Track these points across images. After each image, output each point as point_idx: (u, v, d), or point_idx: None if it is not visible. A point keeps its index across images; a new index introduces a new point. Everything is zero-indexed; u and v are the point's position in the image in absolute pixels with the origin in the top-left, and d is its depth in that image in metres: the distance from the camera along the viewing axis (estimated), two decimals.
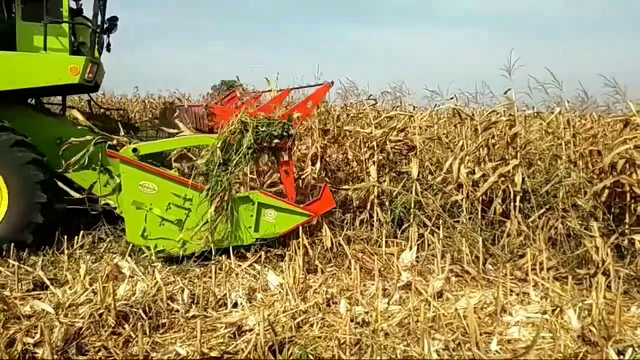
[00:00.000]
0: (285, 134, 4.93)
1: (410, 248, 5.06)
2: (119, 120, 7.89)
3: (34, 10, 5.40)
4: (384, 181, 5.93)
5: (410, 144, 6.13)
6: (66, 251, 5.01)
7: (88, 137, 5.22)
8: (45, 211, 5.05)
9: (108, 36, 6.43)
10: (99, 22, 6.06)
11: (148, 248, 4.81)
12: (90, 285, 4.10)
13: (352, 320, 3.61)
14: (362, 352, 3.31)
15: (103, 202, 5.26)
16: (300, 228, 4.96)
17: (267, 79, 8.04)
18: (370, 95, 7.08)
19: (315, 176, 6.16)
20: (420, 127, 6.25)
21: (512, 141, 5.56)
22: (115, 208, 5.26)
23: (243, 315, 3.78)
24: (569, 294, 4.13)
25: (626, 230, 4.89)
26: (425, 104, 7.11)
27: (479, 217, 5.49)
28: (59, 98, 8.06)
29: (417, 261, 4.89)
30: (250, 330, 3.51)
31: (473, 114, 6.21)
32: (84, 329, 3.47)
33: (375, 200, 5.74)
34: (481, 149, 5.82)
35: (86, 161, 5.13)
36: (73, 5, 5.82)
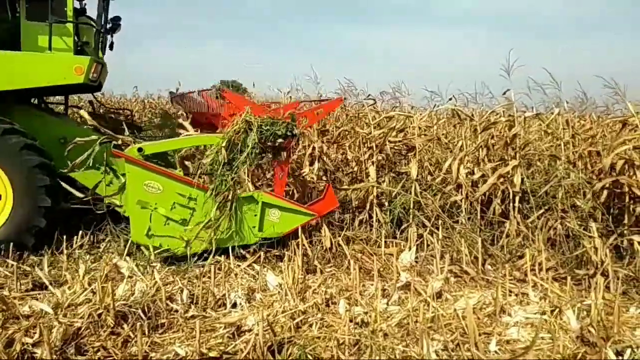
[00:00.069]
0: (289, 133, 4.95)
1: (410, 248, 5.06)
2: (123, 120, 7.88)
3: (38, 10, 5.40)
4: (383, 181, 5.94)
5: (410, 144, 6.14)
6: (65, 251, 5.01)
7: (93, 137, 5.22)
8: (48, 215, 5.06)
9: (112, 36, 6.44)
10: (102, 22, 6.07)
11: (153, 247, 4.81)
12: (89, 285, 4.09)
13: (351, 321, 3.61)
14: (361, 352, 3.31)
15: (107, 201, 5.26)
16: (300, 228, 4.96)
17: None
18: (369, 95, 7.09)
19: (314, 176, 6.17)
20: (419, 128, 6.26)
21: (512, 142, 5.56)
22: (120, 206, 5.27)
23: (242, 315, 3.78)
24: (568, 294, 4.14)
25: (625, 231, 4.90)
26: (424, 105, 7.13)
27: (478, 217, 5.50)
28: (58, 97, 8.05)
29: (416, 261, 4.90)
30: (249, 330, 3.52)
31: (472, 115, 6.22)
32: (82, 329, 3.47)
33: (375, 201, 5.75)
34: (480, 150, 5.82)
35: (91, 161, 5.13)
36: (77, 5, 5.82)
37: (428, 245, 5.15)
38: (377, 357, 3.25)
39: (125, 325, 3.51)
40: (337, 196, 5.82)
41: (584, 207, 4.99)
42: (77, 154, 5.17)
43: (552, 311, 3.82)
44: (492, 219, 5.52)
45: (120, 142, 5.26)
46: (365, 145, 6.14)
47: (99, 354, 3.29)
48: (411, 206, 5.58)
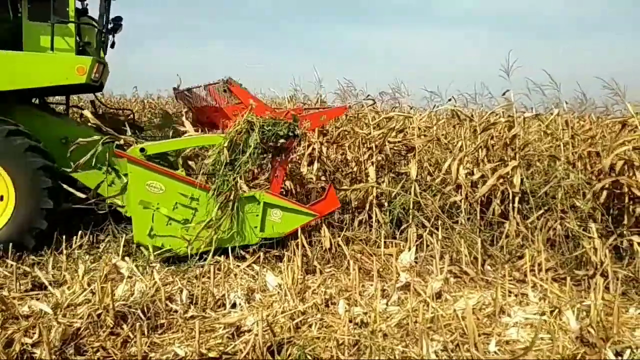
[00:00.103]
0: (291, 134, 4.96)
1: (409, 249, 5.06)
2: (124, 120, 7.87)
3: (40, 10, 5.40)
4: (383, 182, 5.94)
5: (409, 144, 6.14)
6: (65, 251, 5.01)
7: (95, 137, 5.23)
8: (49, 217, 5.07)
9: (113, 36, 6.44)
10: (104, 22, 6.07)
11: (156, 248, 4.82)
12: (89, 285, 4.08)
13: (350, 321, 3.61)
14: (360, 352, 3.31)
15: (109, 201, 5.26)
16: (299, 229, 4.96)
17: None
18: (368, 95, 7.10)
19: (312, 176, 6.17)
20: (419, 128, 6.26)
21: (511, 142, 5.56)
22: (122, 207, 5.27)
23: (242, 315, 3.78)
24: (568, 295, 4.14)
25: (625, 232, 4.90)
26: (424, 105, 7.13)
27: (478, 218, 5.50)
28: (58, 97, 8.05)
29: (416, 262, 4.90)
30: (249, 330, 3.51)
31: (472, 115, 6.22)
32: (82, 329, 3.46)
33: (374, 201, 5.75)
34: (480, 150, 5.83)
35: (94, 161, 5.14)
36: (78, 5, 5.82)
37: (427, 246, 5.15)
38: (377, 358, 3.24)
39: (124, 326, 3.51)
40: (337, 196, 5.82)
41: (583, 208, 5.00)
42: (79, 154, 5.18)
43: (551, 312, 3.82)
44: (492, 220, 5.52)
45: (122, 142, 5.26)
46: (365, 145, 6.14)
47: (98, 354, 3.28)
48: (411, 206, 5.58)
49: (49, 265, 4.88)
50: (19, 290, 4.23)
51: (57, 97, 7.97)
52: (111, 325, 3.49)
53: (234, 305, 4.03)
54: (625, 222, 4.97)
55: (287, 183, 5.93)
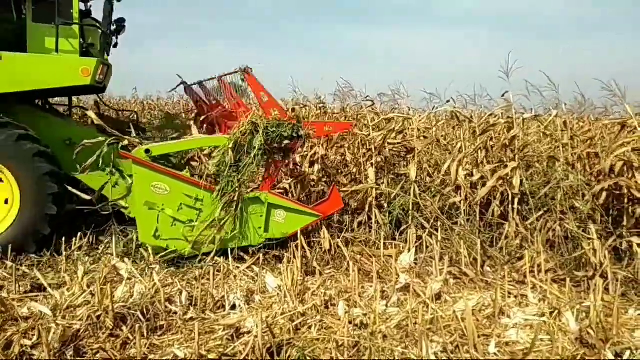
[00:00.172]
0: (295, 135, 4.98)
1: (409, 250, 5.06)
2: (126, 121, 7.88)
3: (44, 12, 5.41)
4: (383, 183, 5.94)
5: (409, 146, 6.14)
6: (64, 253, 5.00)
7: (100, 139, 5.24)
8: (53, 222, 5.08)
9: (116, 37, 6.46)
10: (107, 24, 6.09)
11: (161, 249, 4.84)
12: (88, 287, 4.08)
13: (350, 323, 3.60)
14: (360, 354, 3.31)
15: (112, 202, 5.26)
16: (303, 229, 4.97)
17: None
18: (367, 96, 7.10)
19: (315, 178, 6.17)
20: (418, 130, 6.26)
21: (510, 143, 5.57)
22: (125, 208, 5.28)
23: (241, 317, 3.77)
24: (567, 296, 4.14)
25: (624, 233, 4.90)
26: (424, 106, 7.13)
27: (477, 219, 5.50)
28: (58, 99, 8.05)
29: (416, 263, 4.90)
30: (248, 332, 3.51)
31: (471, 116, 6.22)
32: (81, 331, 3.46)
33: (374, 202, 5.74)
34: (479, 151, 5.83)
35: (100, 163, 5.15)
36: (82, 7, 5.82)
37: (427, 247, 5.15)
38: (377, 359, 3.24)
39: (124, 327, 3.51)
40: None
41: (583, 209, 5.00)
42: (83, 156, 5.18)
43: (551, 313, 3.82)
44: (491, 221, 5.52)
45: (127, 143, 5.27)
46: (365, 146, 6.14)
47: (97, 356, 3.28)
48: (410, 208, 5.58)
49: (49, 266, 4.89)
50: (18, 291, 4.23)
51: (56, 98, 7.98)
52: (111, 327, 3.48)
53: (233, 307, 4.03)
54: (625, 223, 4.97)
55: (289, 184, 5.93)
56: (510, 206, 5.37)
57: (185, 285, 4.41)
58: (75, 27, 5.48)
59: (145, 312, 3.69)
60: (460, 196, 5.58)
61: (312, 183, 6.09)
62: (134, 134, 5.60)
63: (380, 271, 4.73)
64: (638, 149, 4.94)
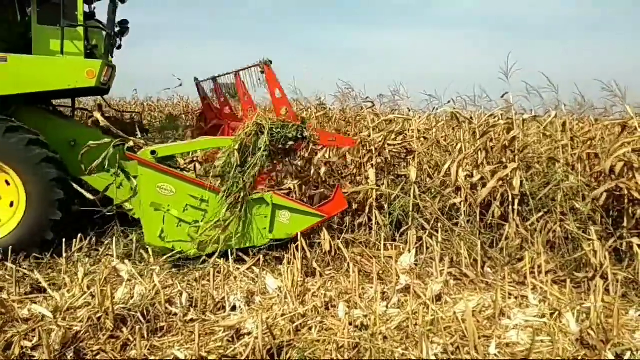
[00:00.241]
0: (300, 136, 5.00)
1: (409, 251, 5.05)
2: (129, 122, 7.90)
3: (49, 14, 5.43)
4: (383, 184, 5.94)
5: (409, 147, 6.14)
6: (64, 254, 5.00)
7: (106, 140, 5.25)
8: (56, 227, 5.09)
9: (120, 39, 6.47)
10: (112, 26, 6.10)
11: (167, 250, 4.86)
12: (89, 288, 4.08)
13: (350, 324, 3.60)
14: (360, 355, 3.31)
15: (117, 203, 5.27)
16: (308, 230, 5.00)
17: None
18: (367, 97, 7.10)
19: (319, 179, 6.17)
20: (418, 131, 6.26)
21: (510, 144, 5.57)
22: (130, 210, 5.28)
23: (241, 318, 3.77)
24: (568, 297, 4.13)
25: (624, 234, 4.90)
26: (423, 107, 7.14)
27: (478, 220, 5.50)
28: (60, 100, 8.05)
29: (416, 264, 4.89)
30: (249, 333, 3.51)
31: (471, 117, 6.22)
32: (82, 332, 3.46)
33: (374, 204, 5.74)
34: (479, 152, 5.83)
35: (106, 164, 5.16)
36: (86, 9, 5.84)
37: (427, 248, 5.15)
38: None
39: (124, 329, 3.51)
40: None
41: (583, 210, 4.99)
42: (89, 157, 5.19)
43: (551, 314, 3.81)
44: (492, 222, 5.52)
45: (132, 144, 5.28)
46: (365, 148, 6.14)
47: (98, 357, 3.28)
48: (410, 209, 5.58)
49: (49, 268, 4.89)
50: (19, 293, 4.23)
51: (58, 99, 7.98)
52: (111, 329, 3.49)
53: (233, 308, 4.03)
54: (625, 224, 4.96)
55: (293, 185, 5.93)
56: (510, 207, 5.37)
57: (186, 286, 4.41)
58: (80, 29, 5.50)
59: (145, 314, 3.69)
60: (461, 197, 5.58)
61: (316, 184, 6.08)
62: (139, 135, 5.61)
63: (381, 272, 4.73)
64: (638, 150, 4.94)
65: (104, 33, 5.97)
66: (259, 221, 4.99)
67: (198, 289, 4.15)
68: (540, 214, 5.26)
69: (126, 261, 4.79)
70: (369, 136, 6.02)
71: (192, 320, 3.79)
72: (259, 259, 4.94)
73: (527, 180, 5.47)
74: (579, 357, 3.29)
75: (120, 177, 5.30)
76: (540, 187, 5.49)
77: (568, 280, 4.30)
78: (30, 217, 5.02)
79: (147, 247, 5.13)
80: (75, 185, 5.22)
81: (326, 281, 4.61)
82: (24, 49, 5.45)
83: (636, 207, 4.95)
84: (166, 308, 3.87)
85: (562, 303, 4.02)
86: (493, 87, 6.14)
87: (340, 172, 6.59)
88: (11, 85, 5.23)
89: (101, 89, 5.92)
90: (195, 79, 8.22)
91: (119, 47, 6.55)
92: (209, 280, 4.37)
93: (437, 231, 5.23)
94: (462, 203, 5.55)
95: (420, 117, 6.77)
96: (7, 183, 5.10)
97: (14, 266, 4.55)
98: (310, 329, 3.67)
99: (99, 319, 3.55)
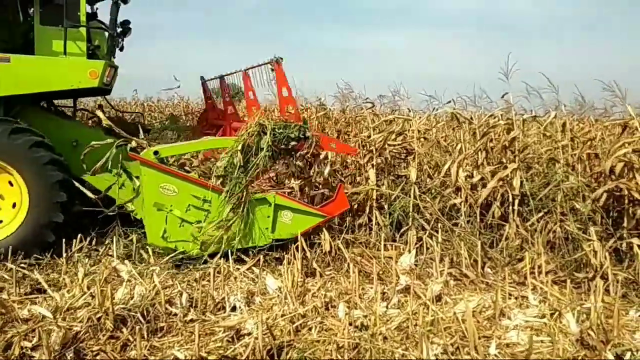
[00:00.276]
0: (302, 136, 5.02)
1: (409, 251, 5.05)
2: (130, 122, 7.91)
3: (52, 14, 5.44)
4: (383, 185, 5.94)
5: (409, 147, 6.14)
6: (64, 254, 5.00)
7: (109, 140, 5.25)
8: (57, 230, 5.08)
9: (122, 40, 6.48)
10: (114, 26, 6.11)
11: (169, 250, 4.87)
12: (89, 288, 4.08)
13: (350, 324, 3.60)
14: (360, 356, 3.30)
15: (119, 203, 5.28)
16: (310, 230, 5.01)
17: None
18: (367, 98, 7.11)
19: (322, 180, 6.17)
20: (418, 131, 6.27)
21: (510, 145, 5.57)
22: (132, 211, 5.29)
23: (241, 319, 3.77)
24: (568, 297, 4.13)
25: (624, 234, 4.90)
26: (423, 108, 7.14)
27: (478, 220, 5.50)
28: (61, 101, 8.08)
29: (416, 265, 4.89)
30: (249, 334, 3.51)
31: (471, 118, 6.23)
32: (81, 332, 3.46)
33: (374, 204, 5.74)
34: (479, 153, 5.83)
35: (110, 164, 5.17)
36: (88, 9, 5.85)
37: (427, 249, 5.15)
38: None
39: (124, 329, 3.51)
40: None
41: (583, 210, 4.99)
42: (91, 157, 5.20)
43: (551, 314, 3.81)
44: (492, 222, 5.52)
45: (135, 144, 5.29)
46: (365, 148, 6.15)
47: (98, 357, 3.28)
48: (410, 209, 5.58)
49: (49, 268, 4.89)
50: (19, 293, 4.23)
51: (59, 99, 7.99)
52: (111, 329, 3.48)
53: (233, 309, 4.03)
54: (625, 224, 4.96)
55: (295, 184, 5.93)
56: (510, 207, 5.37)
57: (186, 286, 4.40)
58: (83, 30, 5.51)
59: (145, 314, 3.69)
60: (461, 197, 5.58)
61: (320, 185, 6.08)
62: (142, 135, 5.62)
63: (381, 273, 4.73)
64: (639, 150, 4.94)
65: (106, 33, 5.97)
66: (261, 221, 5.00)
67: (198, 289, 4.14)
68: (541, 214, 5.26)
69: (126, 261, 4.80)
70: (369, 136, 6.02)
71: (192, 320, 3.79)
72: (259, 260, 4.94)
73: (527, 181, 5.47)
74: (579, 358, 3.29)
75: (123, 178, 5.31)
76: (541, 187, 5.49)
77: (568, 281, 4.30)
78: (33, 218, 5.02)
79: (147, 247, 5.13)
80: (76, 184, 5.22)
81: (326, 281, 4.61)
82: (25, 50, 5.46)
83: (636, 207, 4.95)
84: (166, 308, 3.87)
85: (562, 303, 4.02)
86: (493, 88, 6.14)
87: (340, 172, 6.58)
88: (14, 86, 5.24)
89: (103, 89, 5.93)
90: (202, 78, 8.23)
91: (122, 49, 6.56)
92: (209, 281, 4.37)
93: (437, 231, 5.23)
94: (462, 203, 5.55)
95: (420, 117, 6.77)
96: (11, 184, 5.11)
97: (14, 266, 4.55)
98: (310, 329, 3.66)
99: (98, 319, 3.55)
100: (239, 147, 4.90)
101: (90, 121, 8.37)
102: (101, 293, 3.67)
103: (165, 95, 17.70)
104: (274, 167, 5.22)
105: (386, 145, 6.04)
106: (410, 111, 6.90)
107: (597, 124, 6.34)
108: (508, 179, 5.39)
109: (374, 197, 5.76)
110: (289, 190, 5.64)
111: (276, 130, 4.97)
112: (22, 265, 4.81)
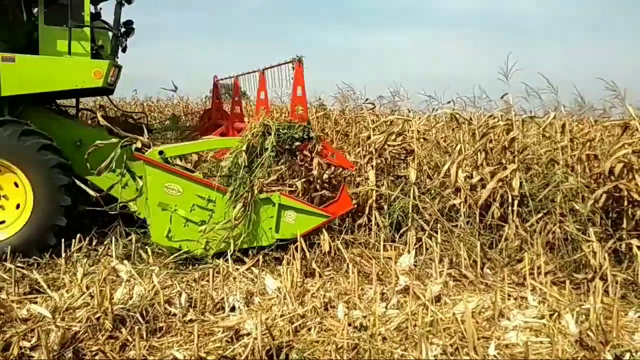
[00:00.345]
0: (306, 136, 5.05)
1: (409, 252, 5.05)
2: (133, 123, 7.90)
3: (56, 14, 5.44)
4: (382, 185, 5.94)
5: (409, 148, 6.15)
6: (63, 254, 5.00)
7: (113, 140, 5.26)
8: (60, 233, 5.08)
9: (125, 40, 6.49)
10: (118, 26, 6.11)
11: (173, 249, 4.87)
12: (88, 288, 4.08)
13: (349, 325, 3.60)
14: (359, 356, 3.30)
15: (122, 203, 5.28)
16: (314, 230, 5.02)
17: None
18: (367, 99, 7.11)
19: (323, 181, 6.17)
20: (418, 132, 6.27)
21: (510, 145, 5.57)
22: (134, 211, 5.29)
23: (240, 319, 3.77)
24: (567, 298, 4.13)
25: (624, 235, 4.90)
26: (423, 108, 7.15)
27: (477, 221, 5.50)
28: (63, 101, 8.06)
29: (415, 265, 4.89)
30: (248, 334, 3.51)
31: (471, 118, 6.23)
32: (80, 333, 3.46)
33: (374, 204, 5.75)
34: (479, 153, 5.83)
35: (114, 164, 5.17)
36: (92, 9, 5.86)
37: (427, 249, 5.15)
38: None
39: (123, 329, 3.51)
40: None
41: (582, 211, 4.99)
42: (95, 157, 5.20)
43: (551, 315, 3.81)
44: (491, 223, 5.52)
45: (139, 144, 5.29)
46: (365, 149, 6.15)
47: (96, 357, 3.28)
48: (410, 210, 5.58)
49: (48, 268, 4.88)
50: (18, 293, 4.23)
51: (62, 99, 7.99)
52: (110, 329, 3.48)
53: (233, 309, 4.03)
54: (625, 225, 4.96)
55: (299, 184, 5.93)
56: (509, 208, 5.37)
57: (185, 287, 4.40)
58: (87, 30, 5.51)
59: (144, 314, 3.69)
60: (460, 198, 5.58)
61: (319, 185, 6.08)
62: (146, 135, 5.62)
63: (380, 273, 4.73)
64: (638, 151, 4.94)
65: (110, 34, 5.98)
66: (265, 221, 5.02)
67: (197, 290, 4.14)
68: (540, 215, 5.26)
69: (125, 261, 4.79)
70: (369, 137, 6.02)
71: (191, 320, 3.78)
72: (258, 260, 4.94)
73: (526, 182, 5.47)
74: (578, 359, 3.29)
75: (126, 177, 5.32)
76: (540, 188, 5.50)
77: (567, 282, 4.30)
78: (36, 220, 5.03)
79: (147, 247, 5.13)
80: (78, 182, 5.22)
81: (325, 282, 4.61)
82: (30, 49, 5.46)
83: (636, 208, 4.95)
84: (165, 308, 3.86)
85: (562, 304, 4.02)
86: (493, 88, 6.15)
87: (340, 172, 6.58)
88: (19, 86, 5.24)
89: (107, 89, 5.94)
90: (215, 77, 8.22)
91: (124, 50, 6.57)
92: (208, 281, 4.37)
93: (436, 232, 5.23)
94: (462, 204, 5.56)
95: (420, 118, 6.78)
96: (16, 185, 5.11)
97: (12, 266, 4.55)
98: (309, 329, 3.66)
99: (97, 319, 3.54)
100: (244, 148, 4.93)
101: (90, 121, 8.36)
102: (100, 293, 3.67)
103: (165, 96, 17.69)
104: (277, 169, 5.21)
105: (386, 146, 6.04)
106: (410, 112, 6.90)
107: (596, 124, 6.34)
108: (507, 179, 5.39)
109: (374, 197, 5.76)
110: (291, 189, 5.64)
111: (280, 130, 5.01)
112: (21, 265, 4.81)
